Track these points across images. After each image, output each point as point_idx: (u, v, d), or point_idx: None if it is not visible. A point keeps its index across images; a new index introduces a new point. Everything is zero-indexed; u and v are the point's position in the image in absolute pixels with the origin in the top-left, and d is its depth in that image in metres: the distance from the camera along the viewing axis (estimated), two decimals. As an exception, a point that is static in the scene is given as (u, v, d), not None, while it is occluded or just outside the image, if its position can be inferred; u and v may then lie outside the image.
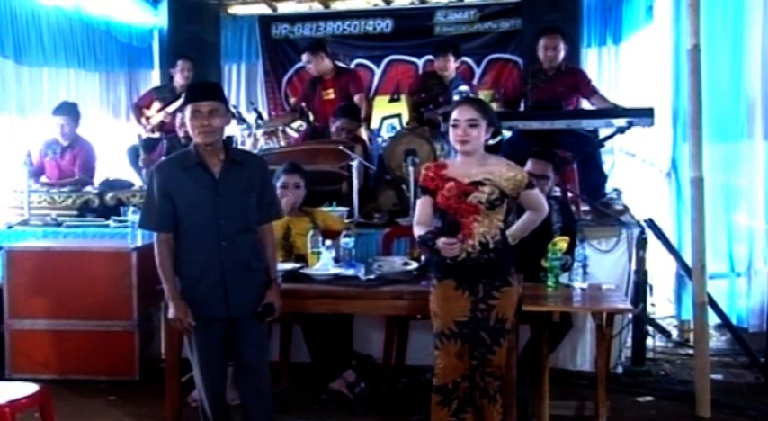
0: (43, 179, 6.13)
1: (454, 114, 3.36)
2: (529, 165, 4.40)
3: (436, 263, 3.39)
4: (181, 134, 5.78)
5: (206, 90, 3.37)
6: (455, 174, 3.35)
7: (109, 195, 5.70)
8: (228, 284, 3.30)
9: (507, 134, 5.92)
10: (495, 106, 6.75)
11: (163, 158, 4.21)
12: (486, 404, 3.35)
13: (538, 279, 4.05)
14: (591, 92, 5.76)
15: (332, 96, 6.37)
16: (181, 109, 5.33)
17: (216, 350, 3.35)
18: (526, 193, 3.39)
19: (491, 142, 3.43)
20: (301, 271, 4.05)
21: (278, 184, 4.44)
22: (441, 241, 3.27)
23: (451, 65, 6.51)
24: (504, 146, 5.77)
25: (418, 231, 3.41)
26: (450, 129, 3.37)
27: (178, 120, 5.79)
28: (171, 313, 3.32)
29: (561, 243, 4.03)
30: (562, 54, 5.74)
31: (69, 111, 6.11)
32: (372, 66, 8.18)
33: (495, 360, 3.33)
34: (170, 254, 3.31)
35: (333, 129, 5.91)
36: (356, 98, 6.30)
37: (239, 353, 3.38)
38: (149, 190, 3.36)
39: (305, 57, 6.42)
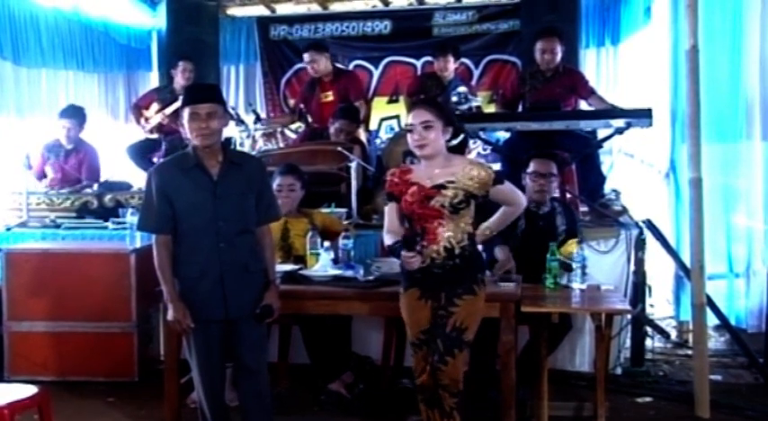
0: (45, 183, 6.12)
1: (408, 119, 3.28)
2: (532, 165, 4.40)
3: (403, 272, 3.33)
4: (184, 134, 5.77)
5: (204, 92, 3.37)
6: (419, 177, 3.28)
7: (108, 197, 5.71)
8: (227, 286, 3.29)
9: (506, 135, 5.95)
10: (493, 107, 6.78)
11: (160, 160, 4.21)
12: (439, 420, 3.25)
13: (542, 281, 4.06)
14: (588, 93, 5.77)
15: (330, 99, 6.36)
16: (179, 111, 5.39)
17: (215, 351, 3.35)
18: (496, 190, 3.28)
19: (454, 142, 3.33)
20: (300, 272, 4.05)
21: (273, 186, 4.43)
22: (402, 255, 3.20)
23: (451, 65, 6.52)
24: (502, 147, 5.81)
25: (387, 240, 3.33)
26: (408, 136, 3.28)
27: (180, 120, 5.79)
28: (170, 315, 3.32)
29: (571, 246, 4.03)
30: (559, 56, 5.75)
31: (76, 114, 6.12)
32: (371, 67, 8.18)
33: (446, 371, 3.21)
34: (169, 255, 3.31)
35: (332, 130, 5.91)
36: (356, 104, 6.29)
37: (238, 355, 3.38)
38: (147, 192, 3.35)
39: (308, 55, 6.38)
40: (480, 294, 3.30)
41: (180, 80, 6.68)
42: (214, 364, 3.37)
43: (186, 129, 3.31)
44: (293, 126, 6.62)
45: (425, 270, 3.23)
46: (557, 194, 5.17)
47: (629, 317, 4.71)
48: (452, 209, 3.21)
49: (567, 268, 4.01)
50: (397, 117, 7.98)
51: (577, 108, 5.88)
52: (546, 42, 5.74)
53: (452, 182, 3.22)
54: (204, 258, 3.28)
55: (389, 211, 3.37)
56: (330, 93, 6.38)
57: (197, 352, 3.34)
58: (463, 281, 3.25)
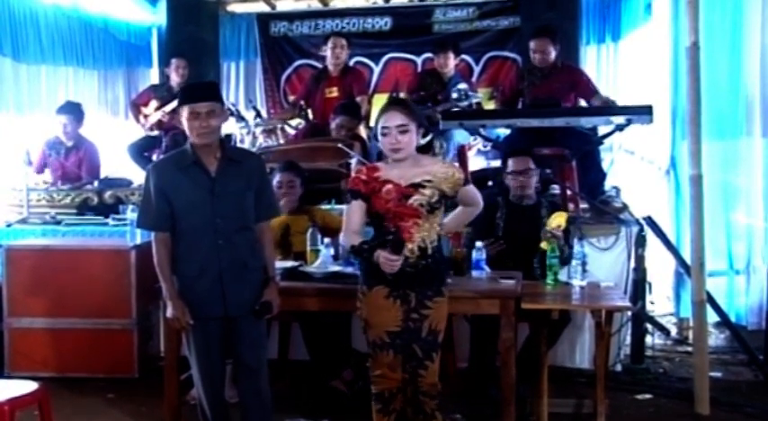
0: (44, 177, 6.12)
1: (382, 121, 3.24)
2: (510, 164, 4.45)
3: (366, 269, 3.25)
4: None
5: (203, 91, 3.35)
6: (390, 176, 3.21)
7: (108, 193, 5.71)
8: (226, 283, 3.29)
9: (506, 132, 5.95)
10: (493, 104, 6.77)
11: (159, 157, 4.21)
12: None
13: (532, 276, 4.07)
14: (591, 93, 5.76)
15: (335, 94, 6.36)
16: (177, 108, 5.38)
17: (214, 348, 3.35)
18: (464, 190, 3.29)
19: (422, 142, 3.31)
20: (300, 268, 4.05)
21: (273, 183, 4.44)
22: (381, 255, 3.08)
23: (451, 62, 6.51)
24: (502, 143, 5.81)
25: (351, 240, 3.22)
26: (380, 137, 3.25)
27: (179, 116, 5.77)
28: (169, 312, 3.32)
29: (558, 219, 4.00)
30: (552, 55, 5.76)
31: (73, 110, 6.11)
32: (371, 64, 8.18)
33: (427, 376, 3.21)
34: (167, 253, 3.31)
35: (332, 126, 5.90)
36: (358, 99, 6.29)
37: (238, 352, 3.38)
38: (146, 189, 3.35)
39: (332, 41, 6.36)
40: (446, 296, 3.29)
41: (174, 78, 6.69)
42: (213, 361, 3.37)
43: (185, 128, 3.31)
44: (293, 122, 6.61)
45: (398, 268, 3.15)
46: (557, 191, 5.19)
47: (629, 314, 4.71)
48: (429, 208, 3.19)
49: (562, 255, 4.01)
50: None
51: (577, 105, 5.88)
52: (537, 42, 5.76)
53: (430, 181, 3.20)
54: (203, 256, 3.28)
55: (353, 210, 3.27)
56: (335, 88, 6.38)
57: (196, 349, 3.35)
58: (433, 282, 3.24)
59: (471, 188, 3.38)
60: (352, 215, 3.28)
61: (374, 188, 3.22)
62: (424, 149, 3.55)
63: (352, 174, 3.35)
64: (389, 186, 3.20)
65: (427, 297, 3.22)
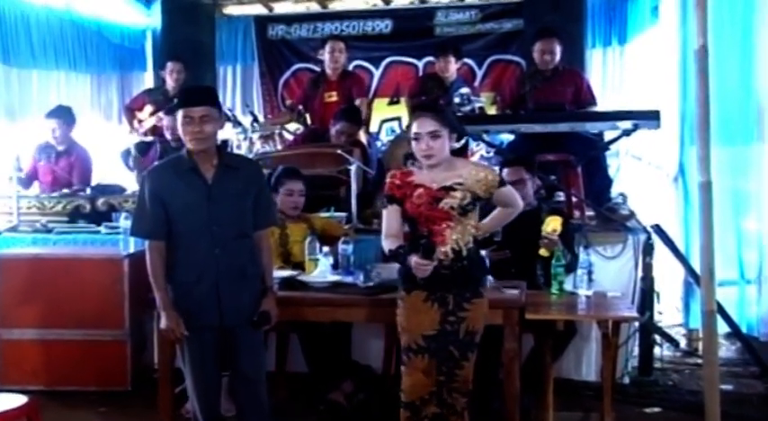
0: (35, 185, 6.11)
1: (414, 127, 3.32)
2: (505, 173, 4.44)
3: (404, 274, 3.33)
4: (169, 137, 5.73)
5: (198, 95, 3.36)
6: (423, 180, 3.32)
7: (100, 201, 5.69)
8: (222, 292, 3.29)
9: (509, 137, 5.94)
10: (494, 110, 6.77)
11: (155, 163, 4.20)
12: None
13: (535, 285, 4.06)
14: (588, 103, 5.77)
15: (334, 99, 6.35)
16: (171, 112, 5.38)
17: (209, 360, 3.35)
18: (499, 192, 3.35)
19: (456, 146, 3.41)
20: (298, 278, 4.04)
21: (281, 190, 4.47)
22: (413, 260, 3.19)
23: (452, 66, 6.52)
24: (506, 149, 5.80)
25: (389, 245, 3.34)
26: (413, 143, 3.32)
27: (165, 122, 5.76)
28: (163, 323, 3.32)
29: (552, 223, 4.00)
30: (558, 57, 5.77)
31: (62, 114, 6.11)
32: (371, 67, 8.19)
33: (462, 375, 3.31)
34: (162, 262, 3.31)
35: (332, 132, 5.89)
36: (357, 101, 6.29)
37: (235, 363, 3.38)
38: (141, 196, 3.36)
39: (330, 44, 6.32)
40: (486, 296, 3.38)
41: (170, 81, 6.70)
42: (209, 374, 3.37)
43: (179, 133, 3.32)
44: (291, 127, 6.61)
45: (433, 272, 3.24)
46: (561, 198, 5.18)
47: (636, 324, 4.70)
48: (461, 210, 3.26)
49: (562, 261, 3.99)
50: (399, 119, 7.98)
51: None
52: (545, 43, 5.77)
53: (461, 184, 3.27)
54: (199, 264, 3.29)
55: (389, 215, 3.38)
56: (334, 93, 6.37)
57: (191, 361, 3.34)
58: (470, 283, 3.31)
59: (508, 189, 3.44)
60: (388, 220, 3.39)
61: (407, 192, 3.32)
62: (460, 152, 3.60)
63: (387, 179, 3.40)
64: (421, 190, 3.30)
65: (465, 299, 3.29)
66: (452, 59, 6.50)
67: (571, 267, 4.07)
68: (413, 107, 3.34)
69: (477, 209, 3.33)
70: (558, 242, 4.02)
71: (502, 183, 3.39)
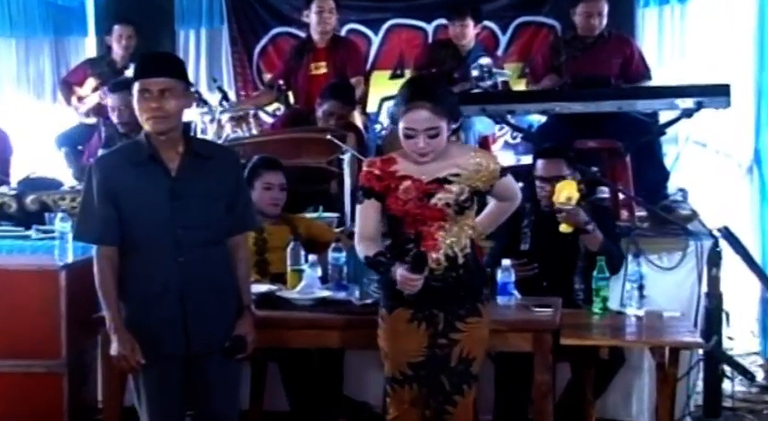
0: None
1: (406, 120, 3.24)
2: (539, 167, 4.48)
3: (386, 288, 3.35)
4: (115, 119, 5.73)
5: (158, 63, 3.36)
6: (410, 170, 3.29)
7: (30, 198, 5.71)
8: (189, 312, 3.30)
9: (541, 119, 5.99)
10: (522, 85, 6.80)
11: (102, 151, 4.22)
12: None
13: (572, 302, 4.11)
14: (640, 76, 5.82)
15: (322, 71, 6.40)
16: (117, 89, 5.39)
17: (171, 395, 3.36)
18: (500, 183, 3.36)
19: (453, 126, 3.37)
20: (278, 293, 4.08)
21: (258, 184, 4.49)
22: (398, 273, 3.18)
23: (470, 31, 6.57)
24: (536, 134, 5.85)
25: (364, 250, 3.33)
26: (403, 138, 3.28)
27: (110, 102, 5.76)
28: (113, 348, 3.32)
29: (566, 189, 4.05)
30: (605, 21, 5.82)
31: None
32: (369, 32, 8.19)
33: (455, 414, 3.29)
34: (113, 272, 3.31)
35: (319, 113, 5.94)
36: (353, 81, 6.34)
37: (204, 400, 3.39)
38: (87, 191, 3.36)
39: (318, 3, 6.36)
40: (486, 315, 3.37)
41: (117, 49, 6.74)
42: (170, 412, 3.39)
43: (136, 112, 3.30)
44: (270, 107, 6.65)
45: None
46: (605, 195, 5.23)
47: (700, 352, 4.74)
48: (458, 208, 3.26)
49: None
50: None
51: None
52: (591, 4, 5.80)
53: (457, 175, 3.26)
54: (159, 276, 3.29)
55: (365, 212, 3.36)
56: (323, 64, 6.42)
57: (148, 396, 3.36)
58: (466, 298, 3.31)
59: (508, 179, 3.43)
60: (365, 218, 3.37)
61: (390, 185, 3.29)
62: (453, 133, 3.59)
63: (364, 168, 3.38)
64: (408, 183, 3.27)
65: (459, 317, 3.29)
66: (470, 23, 6.55)
67: (616, 267, 4.09)
68: (405, 89, 3.25)
69: (475, 206, 3.33)
70: (579, 212, 4.04)
71: (503, 171, 3.38)
